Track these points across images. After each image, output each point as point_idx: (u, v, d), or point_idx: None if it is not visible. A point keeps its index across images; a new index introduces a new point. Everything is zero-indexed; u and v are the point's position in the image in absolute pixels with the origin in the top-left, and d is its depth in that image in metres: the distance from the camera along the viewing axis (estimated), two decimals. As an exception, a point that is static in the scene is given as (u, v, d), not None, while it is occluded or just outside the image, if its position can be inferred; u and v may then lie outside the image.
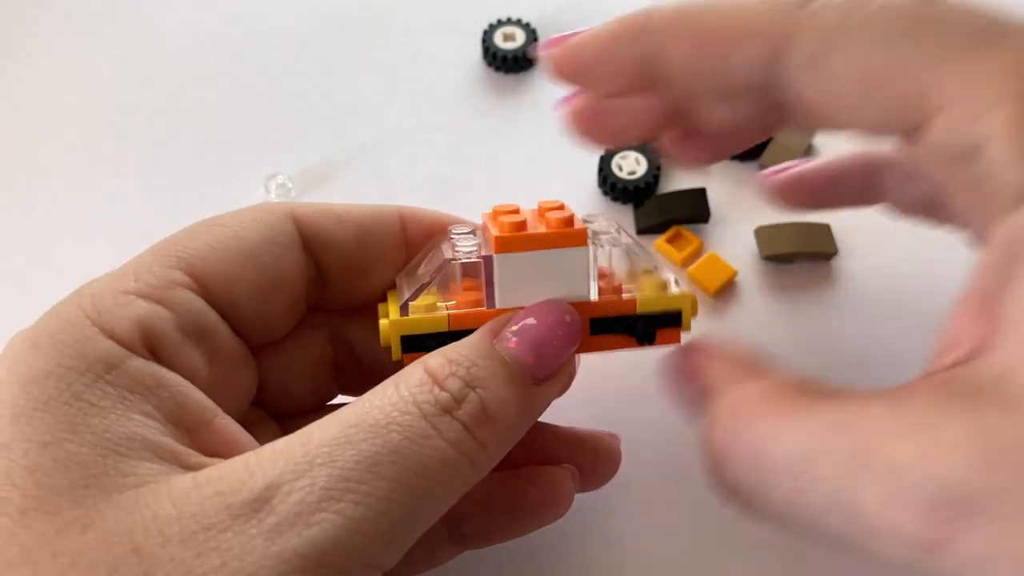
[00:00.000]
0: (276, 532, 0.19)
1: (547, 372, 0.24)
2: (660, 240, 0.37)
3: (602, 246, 0.26)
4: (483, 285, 0.26)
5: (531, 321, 0.24)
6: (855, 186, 0.31)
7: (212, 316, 0.25)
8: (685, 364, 0.25)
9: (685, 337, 0.27)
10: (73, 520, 0.19)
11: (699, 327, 0.35)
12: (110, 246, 0.37)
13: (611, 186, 0.38)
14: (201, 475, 0.20)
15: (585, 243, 0.25)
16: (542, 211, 0.26)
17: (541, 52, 0.25)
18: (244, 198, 0.39)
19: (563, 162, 0.39)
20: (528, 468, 0.27)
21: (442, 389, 0.22)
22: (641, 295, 0.26)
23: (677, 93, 0.24)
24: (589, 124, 0.27)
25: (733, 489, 0.21)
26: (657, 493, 0.31)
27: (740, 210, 0.38)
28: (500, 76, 0.42)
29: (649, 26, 0.23)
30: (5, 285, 0.36)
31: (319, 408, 0.29)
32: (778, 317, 0.35)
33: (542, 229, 0.25)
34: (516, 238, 0.25)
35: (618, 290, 0.27)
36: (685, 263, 0.36)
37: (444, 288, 0.26)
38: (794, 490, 0.19)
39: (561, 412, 0.27)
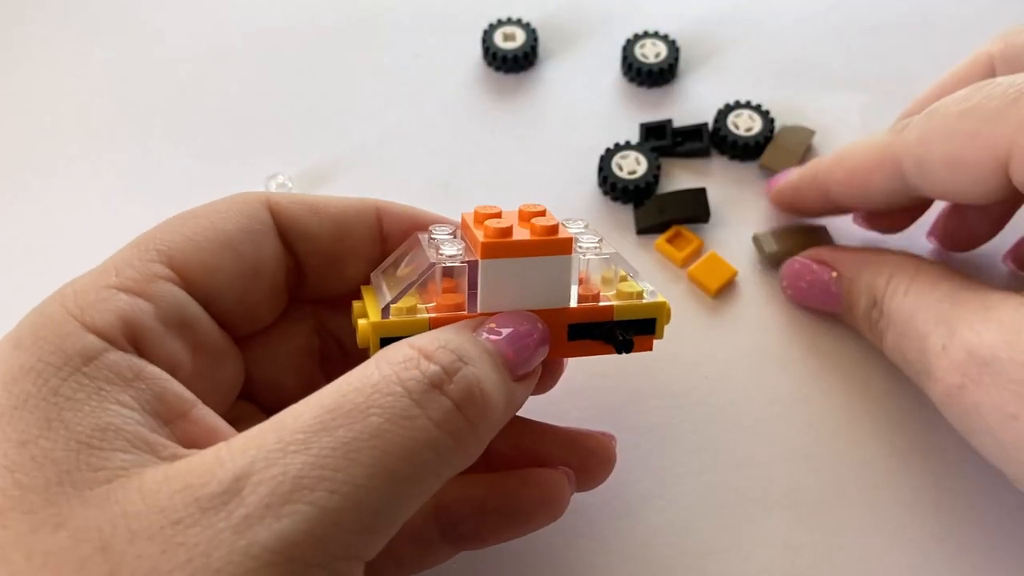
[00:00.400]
0: (245, 525, 0.19)
1: (524, 371, 0.24)
2: (660, 240, 0.37)
3: (584, 255, 0.27)
4: (463, 288, 0.26)
5: (507, 321, 0.25)
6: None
7: (194, 307, 0.25)
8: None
9: (658, 344, 0.27)
10: (47, 519, 0.19)
11: (700, 327, 0.35)
12: (110, 246, 0.37)
13: (611, 186, 0.38)
14: (172, 467, 0.20)
15: (570, 252, 0.25)
16: (524, 216, 0.26)
17: (769, 191, 0.37)
18: (244, 198, 0.39)
19: (563, 162, 0.39)
20: (523, 470, 0.27)
21: (431, 361, 0.21)
22: (618, 302, 0.27)
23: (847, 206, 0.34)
24: (784, 204, 0.36)
25: None
26: (652, 493, 0.31)
27: (740, 210, 0.38)
28: (500, 76, 0.42)
29: (819, 172, 0.34)
30: (5, 285, 0.36)
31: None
32: (778, 317, 0.35)
33: (526, 235, 0.25)
34: (503, 244, 0.25)
35: (595, 296, 0.27)
36: (685, 263, 0.36)
37: (423, 289, 0.26)
38: None
39: (557, 412, 0.27)
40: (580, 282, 0.27)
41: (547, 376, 0.30)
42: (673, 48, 0.41)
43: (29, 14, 0.45)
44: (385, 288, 0.27)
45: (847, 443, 0.33)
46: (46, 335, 0.22)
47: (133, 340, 0.23)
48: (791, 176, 0.35)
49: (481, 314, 0.25)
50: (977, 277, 0.30)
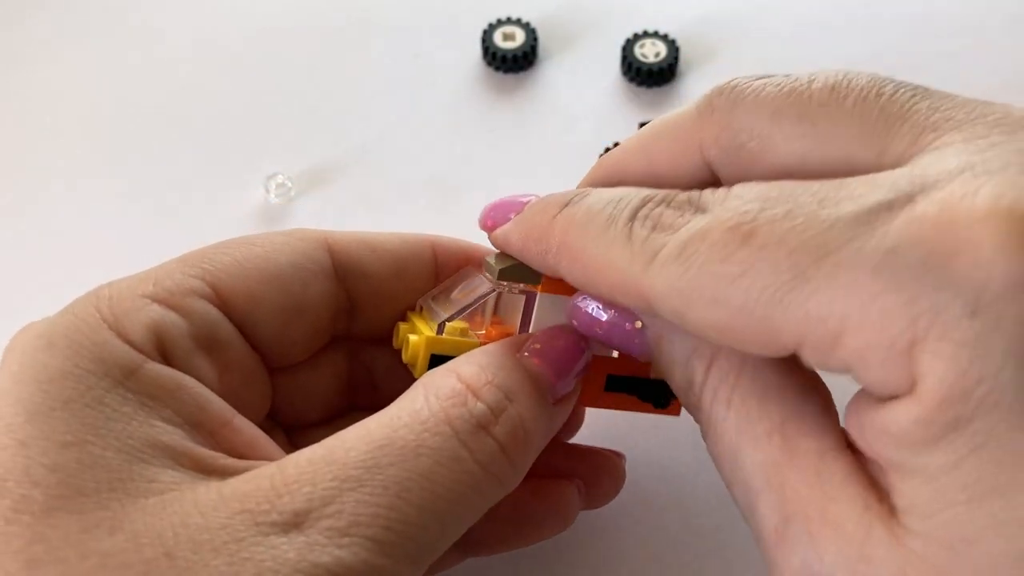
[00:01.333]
0: (307, 549, 0.19)
1: (564, 391, 0.24)
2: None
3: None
4: (514, 320, 0.26)
5: (550, 340, 0.24)
6: None
7: (227, 328, 0.24)
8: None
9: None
10: (100, 521, 0.19)
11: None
12: (110, 246, 0.37)
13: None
14: (226, 487, 0.20)
15: None
16: None
17: (483, 219, 0.26)
18: (244, 198, 0.39)
19: (563, 162, 0.39)
20: (535, 481, 0.27)
21: (479, 400, 0.22)
22: None
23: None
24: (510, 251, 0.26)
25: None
26: (652, 493, 0.31)
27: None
28: (500, 76, 0.42)
29: (551, 246, 0.23)
30: (8, 285, 0.36)
31: (328, 420, 0.29)
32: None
33: None
34: (563, 283, 0.24)
35: None
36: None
37: (472, 318, 0.26)
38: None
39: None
40: None
41: (570, 427, 0.30)
42: (673, 48, 0.41)
43: (29, 14, 0.45)
44: (436, 308, 0.26)
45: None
46: (80, 339, 0.21)
47: (163, 353, 0.23)
48: (508, 227, 0.25)
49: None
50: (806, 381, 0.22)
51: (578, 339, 0.25)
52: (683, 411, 0.25)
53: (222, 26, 0.44)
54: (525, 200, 0.25)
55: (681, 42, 0.42)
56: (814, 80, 0.22)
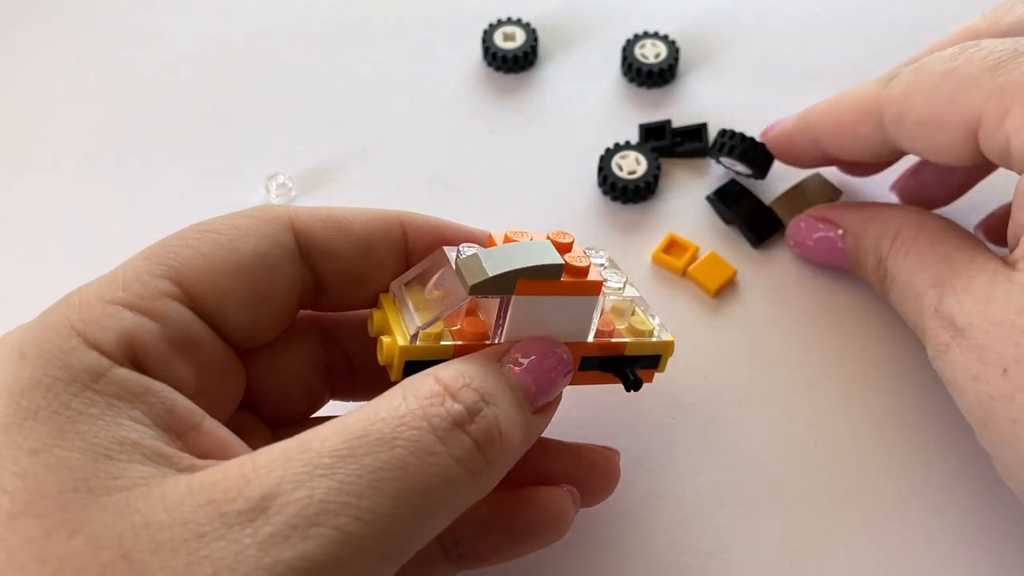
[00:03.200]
0: (270, 543, 0.19)
1: (544, 402, 0.25)
2: (656, 251, 0.36)
3: (608, 295, 0.27)
4: (489, 314, 0.26)
5: (532, 351, 0.25)
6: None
7: (199, 327, 0.24)
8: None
9: (658, 377, 0.29)
10: (61, 524, 0.19)
11: (700, 327, 0.35)
12: (110, 246, 0.37)
13: (611, 186, 0.38)
14: (195, 479, 0.20)
15: (599, 294, 0.26)
16: (558, 250, 0.26)
17: (763, 137, 0.37)
18: (244, 198, 0.39)
19: (563, 162, 0.39)
20: (527, 488, 0.27)
21: (456, 400, 0.22)
22: (630, 339, 0.28)
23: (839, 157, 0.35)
24: (778, 150, 0.36)
25: None
26: (652, 493, 0.31)
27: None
28: (500, 76, 0.42)
29: (809, 121, 0.34)
30: (8, 285, 0.36)
31: (311, 413, 0.29)
32: (778, 317, 0.35)
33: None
34: (536, 285, 0.25)
35: (610, 332, 0.28)
36: (685, 270, 0.36)
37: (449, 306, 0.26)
38: None
39: (557, 412, 0.27)
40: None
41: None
42: (673, 48, 0.41)
43: (28, 15, 0.45)
44: (411, 306, 0.26)
45: (847, 443, 0.33)
46: (50, 348, 0.21)
47: (135, 359, 0.22)
48: (785, 124, 0.36)
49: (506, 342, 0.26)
50: (966, 230, 0.31)
51: (561, 356, 0.25)
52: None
53: (222, 26, 0.44)
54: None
55: (681, 42, 0.42)
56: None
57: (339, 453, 0.20)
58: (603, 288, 0.27)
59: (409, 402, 0.22)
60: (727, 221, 0.37)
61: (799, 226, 0.35)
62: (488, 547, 0.27)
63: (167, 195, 0.39)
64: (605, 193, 0.38)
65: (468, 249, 0.26)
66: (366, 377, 0.29)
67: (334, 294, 0.27)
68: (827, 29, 0.43)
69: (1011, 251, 0.28)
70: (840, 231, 0.34)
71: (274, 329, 0.27)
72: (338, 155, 0.40)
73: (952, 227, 0.31)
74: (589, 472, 0.28)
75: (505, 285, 0.25)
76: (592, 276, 0.26)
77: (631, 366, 0.28)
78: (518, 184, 0.39)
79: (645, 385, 0.28)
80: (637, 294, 0.29)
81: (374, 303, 0.28)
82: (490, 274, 0.24)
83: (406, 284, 0.27)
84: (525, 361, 0.24)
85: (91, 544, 0.19)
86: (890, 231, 0.32)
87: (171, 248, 0.24)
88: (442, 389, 0.22)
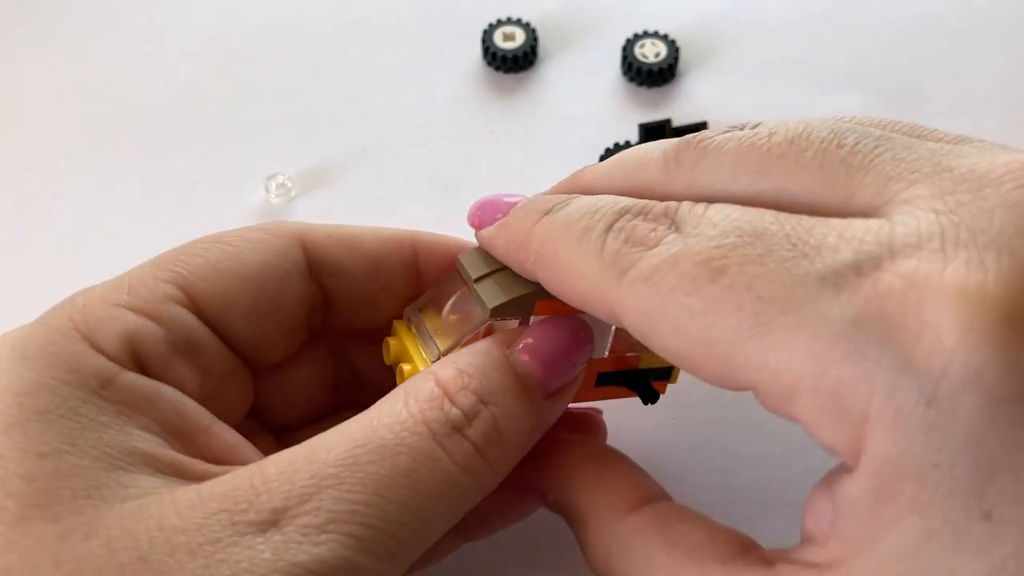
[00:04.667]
0: (284, 548, 0.19)
1: (557, 386, 0.24)
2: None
3: None
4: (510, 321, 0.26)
5: (545, 335, 0.24)
6: None
7: (203, 332, 0.24)
8: (535, 473, 0.25)
9: (671, 388, 0.29)
10: (75, 527, 0.19)
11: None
12: (110, 246, 0.37)
13: (611, 186, 0.38)
14: (204, 488, 0.20)
15: None
16: None
17: (471, 216, 0.26)
18: (244, 198, 0.39)
19: (563, 162, 0.39)
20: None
21: (454, 404, 0.22)
22: (643, 355, 0.27)
23: None
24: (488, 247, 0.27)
25: None
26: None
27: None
28: (500, 76, 0.42)
29: (529, 254, 0.23)
30: (7, 284, 0.36)
31: (316, 420, 0.29)
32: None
33: None
34: (555, 306, 0.24)
35: (624, 344, 0.27)
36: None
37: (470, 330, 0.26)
38: None
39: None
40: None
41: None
42: (673, 48, 0.41)
43: (28, 15, 0.45)
44: (429, 330, 0.26)
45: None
46: (55, 350, 0.21)
47: (139, 361, 0.22)
48: (491, 230, 0.25)
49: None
50: None
51: (577, 331, 0.24)
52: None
53: (222, 26, 0.44)
54: (512, 201, 0.25)
55: (681, 42, 0.42)
56: (774, 134, 0.22)
57: (345, 462, 0.20)
58: None
59: (410, 406, 0.22)
60: None
61: None
62: (488, 512, 0.26)
63: (167, 195, 0.39)
64: (605, 193, 0.38)
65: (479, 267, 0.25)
66: (375, 395, 0.29)
67: (343, 313, 0.27)
68: (827, 29, 0.43)
69: (801, 532, 0.21)
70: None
71: (284, 346, 0.27)
72: (338, 155, 0.40)
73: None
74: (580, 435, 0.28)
75: (524, 306, 0.24)
76: None
77: (646, 379, 0.27)
78: (518, 184, 0.39)
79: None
80: None
81: (383, 323, 0.28)
82: (508, 297, 0.24)
83: (421, 309, 0.27)
84: (535, 345, 0.24)
85: (107, 547, 0.19)
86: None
87: (179, 256, 0.24)
88: (440, 392, 0.22)
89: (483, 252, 0.26)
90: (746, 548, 0.21)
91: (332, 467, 0.20)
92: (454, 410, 0.22)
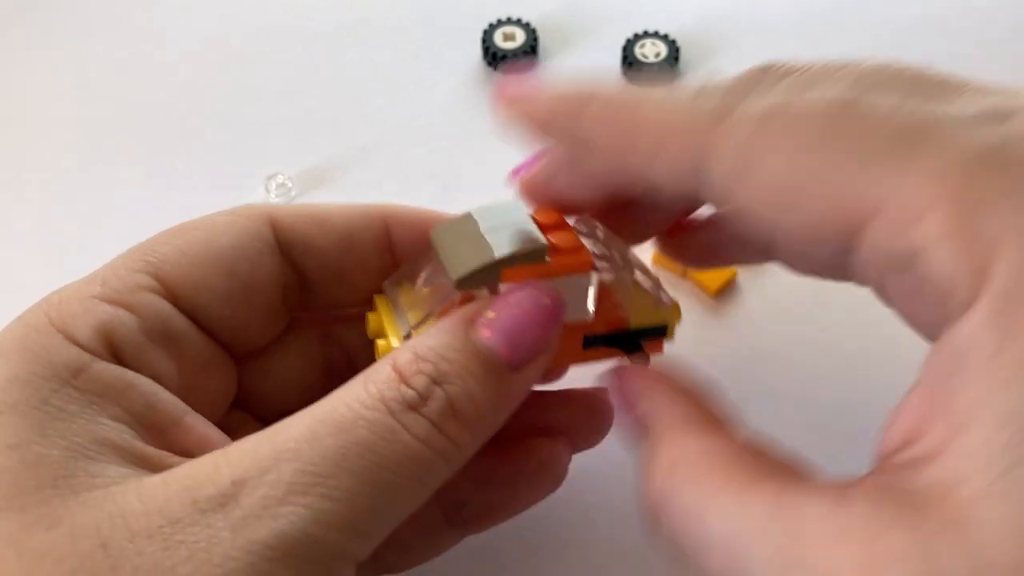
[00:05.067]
0: (242, 524, 0.19)
1: (524, 359, 0.23)
2: (657, 251, 0.36)
3: (602, 272, 0.26)
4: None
5: (507, 308, 0.23)
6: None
7: (179, 320, 0.24)
8: (623, 388, 0.24)
9: (668, 346, 0.27)
10: (40, 518, 0.19)
11: (700, 327, 0.35)
12: (110, 245, 0.37)
13: (611, 186, 0.38)
14: (169, 473, 0.20)
15: (589, 271, 0.25)
16: (542, 228, 0.25)
17: (498, 92, 0.26)
18: (244, 198, 0.39)
19: (563, 162, 0.39)
20: (521, 443, 0.27)
21: (409, 387, 0.22)
22: (632, 312, 0.26)
23: (609, 181, 0.25)
24: (535, 193, 0.27)
25: (668, 539, 0.21)
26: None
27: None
28: (500, 76, 0.42)
29: (588, 129, 0.24)
30: (7, 284, 0.36)
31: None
32: (778, 317, 0.35)
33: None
34: (523, 272, 0.24)
35: (611, 306, 0.26)
36: (686, 271, 0.36)
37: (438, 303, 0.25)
38: (727, 563, 0.19)
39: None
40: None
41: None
42: (673, 48, 0.41)
43: (28, 15, 0.45)
44: (403, 305, 0.26)
45: (847, 444, 0.33)
46: (29, 345, 0.22)
47: (114, 351, 0.23)
48: (548, 91, 0.25)
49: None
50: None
51: (542, 300, 0.24)
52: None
53: (222, 26, 0.44)
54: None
55: (681, 42, 0.42)
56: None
57: (304, 437, 0.20)
58: (596, 263, 0.25)
59: (368, 387, 0.22)
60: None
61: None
62: (489, 506, 0.27)
63: (167, 195, 0.39)
64: (605, 193, 0.38)
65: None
66: None
67: (319, 291, 0.27)
68: (827, 29, 0.43)
69: (882, 450, 0.20)
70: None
71: (263, 329, 0.27)
72: (338, 155, 0.40)
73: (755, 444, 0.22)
74: (585, 417, 0.28)
75: (491, 275, 0.24)
76: (582, 253, 0.25)
77: (637, 339, 0.27)
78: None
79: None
80: (641, 265, 0.27)
81: (363, 301, 0.27)
82: (473, 267, 0.24)
83: (397, 283, 0.27)
84: (497, 319, 0.23)
85: (70, 536, 0.19)
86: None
87: (149, 246, 0.25)
88: (397, 376, 0.22)
89: (456, 225, 0.25)
90: (810, 475, 0.20)
91: (291, 442, 0.20)
92: (409, 391, 0.22)
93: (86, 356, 0.22)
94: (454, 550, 0.28)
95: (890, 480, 0.18)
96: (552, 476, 0.27)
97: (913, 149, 0.18)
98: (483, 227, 0.25)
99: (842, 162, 0.19)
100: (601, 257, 0.26)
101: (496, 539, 0.30)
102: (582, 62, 0.42)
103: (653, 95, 0.22)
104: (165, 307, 0.24)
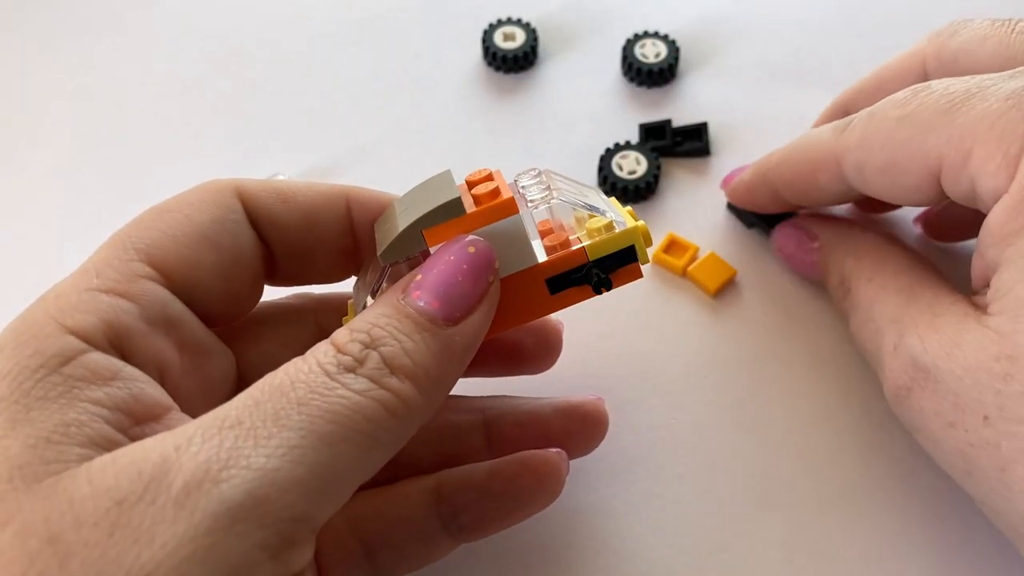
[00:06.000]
0: (184, 494, 0.19)
1: (461, 310, 0.23)
2: (657, 251, 0.36)
3: (536, 207, 0.26)
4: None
5: (432, 266, 0.24)
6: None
7: (177, 305, 0.25)
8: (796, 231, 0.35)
9: (646, 270, 0.26)
10: None
11: (700, 327, 0.35)
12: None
13: (611, 186, 0.38)
14: (120, 451, 0.20)
15: (515, 211, 0.25)
16: (469, 186, 0.26)
17: (724, 188, 0.37)
18: (244, 198, 0.39)
19: (563, 162, 0.39)
20: (519, 455, 0.28)
21: (344, 354, 0.22)
22: (588, 241, 0.25)
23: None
24: (739, 201, 0.36)
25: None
26: (652, 493, 0.31)
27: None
28: (500, 76, 0.42)
29: (768, 171, 0.34)
30: (7, 284, 0.36)
31: None
32: (778, 317, 0.35)
33: (471, 207, 0.25)
34: (447, 227, 0.24)
35: (565, 243, 0.26)
36: (685, 270, 0.36)
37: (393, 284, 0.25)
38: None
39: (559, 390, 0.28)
40: (548, 232, 0.26)
41: (545, 354, 0.31)
42: (673, 48, 0.41)
43: (29, 15, 0.45)
44: (362, 296, 0.26)
45: (847, 443, 0.33)
46: (26, 339, 0.22)
47: (117, 342, 0.23)
48: (744, 175, 0.35)
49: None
50: (935, 266, 0.31)
51: (464, 250, 0.24)
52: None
53: (222, 26, 0.44)
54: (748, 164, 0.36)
55: (681, 42, 0.42)
56: (1018, 23, 0.30)
57: (244, 404, 0.21)
58: (525, 202, 0.25)
59: (307, 358, 0.22)
60: (748, 224, 0.37)
61: (783, 231, 0.35)
62: (486, 516, 0.27)
63: (167, 194, 0.39)
64: (606, 193, 0.38)
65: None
66: None
67: (284, 267, 0.28)
68: (827, 29, 0.43)
69: (976, 291, 0.28)
70: (816, 244, 0.34)
71: (248, 298, 0.27)
72: (338, 155, 0.40)
73: (917, 259, 0.31)
74: (583, 424, 0.29)
75: (414, 241, 0.24)
76: (501, 197, 0.24)
77: (603, 269, 0.25)
78: (518, 184, 0.39)
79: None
80: (607, 203, 0.27)
81: (325, 279, 0.28)
82: (392, 237, 0.24)
83: (360, 285, 0.27)
84: (424, 279, 0.24)
85: (19, 535, 0.19)
86: (855, 253, 0.32)
87: (133, 233, 0.25)
88: (334, 348, 0.22)
89: (386, 212, 0.26)
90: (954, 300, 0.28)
91: (233, 410, 0.21)
92: (345, 357, 0.22)
93: (80, 345, 0.22)
94: (452, 552, 0.28)
95: (969, 303, 0.27)
96: (550, 489, 0.28)
97: (955, 111, 0.27)
98: (403, 204, 0.26)
99: (912, 140, 0.28)
100: (536, 198, 0.26)
101: (496, 539, 0.30)
102: (582, 62, 0.42)
103: (796, 146, 0.33)
104: (162, 293, 0.24)
